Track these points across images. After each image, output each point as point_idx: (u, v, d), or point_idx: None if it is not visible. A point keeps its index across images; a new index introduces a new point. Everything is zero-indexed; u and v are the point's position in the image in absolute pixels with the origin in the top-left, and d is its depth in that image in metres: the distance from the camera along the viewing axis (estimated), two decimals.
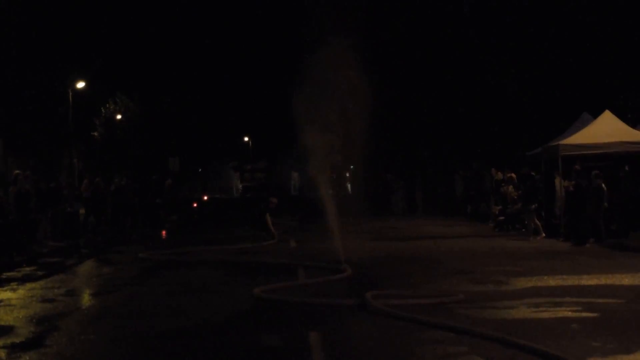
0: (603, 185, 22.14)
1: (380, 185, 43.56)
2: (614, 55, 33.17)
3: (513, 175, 28.27)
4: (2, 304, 13.75)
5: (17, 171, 24.77)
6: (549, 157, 25.60)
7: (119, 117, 55.57)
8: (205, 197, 38.03)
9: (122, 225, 29.81)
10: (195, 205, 36.87)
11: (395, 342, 9.98)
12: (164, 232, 30.10)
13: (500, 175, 30.34)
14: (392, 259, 19.64)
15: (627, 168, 24.65)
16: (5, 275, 17.72)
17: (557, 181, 24.79)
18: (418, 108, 42.51)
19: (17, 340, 10.50)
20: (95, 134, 54.87)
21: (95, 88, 46.18)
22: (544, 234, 24.02)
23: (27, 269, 18.93)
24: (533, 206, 24.65)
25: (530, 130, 35.40)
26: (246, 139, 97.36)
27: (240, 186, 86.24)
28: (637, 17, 32.19)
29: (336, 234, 19.24)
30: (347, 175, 71.79)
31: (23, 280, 16.91)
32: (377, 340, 10.20)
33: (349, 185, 69.37)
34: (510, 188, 27.68)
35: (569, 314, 11.47)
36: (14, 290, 15.48)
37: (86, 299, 14.66)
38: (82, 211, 28.41)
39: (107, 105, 55.44)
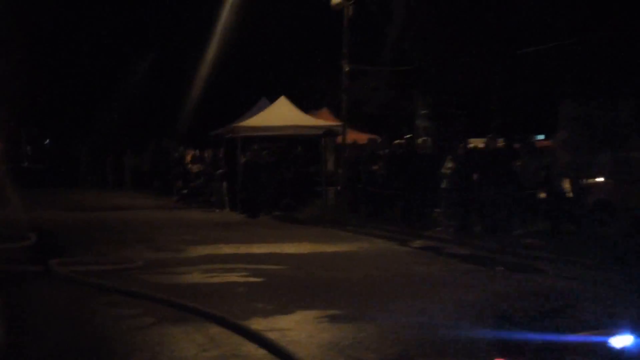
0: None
1: (69, 159, 42.46)
2: (294, 46, 34.15)
3: (197, 152, 28.78)
4: None
5: None
6: (230, 137, 26.28)
7: None
8: None
9: None
10: None
11: (77, 305, 9.80)
12: None
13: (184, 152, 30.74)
14: (80, 228, 19.24)
15: (300, 148, 25.93)
16: None
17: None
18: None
19: None
20: None
21: None
22: (228, 208, 24.67)
23: None
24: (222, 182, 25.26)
25: (216, 112, 35.98)
26: None
27: None
28: None
29: (22, 204, 18.61)
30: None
31: None
32: (60, 304, 9.96)
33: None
34: (191, 164, 28.20)
35: (237, 279, 11.81)
36: None
37: None
38: None
39: None
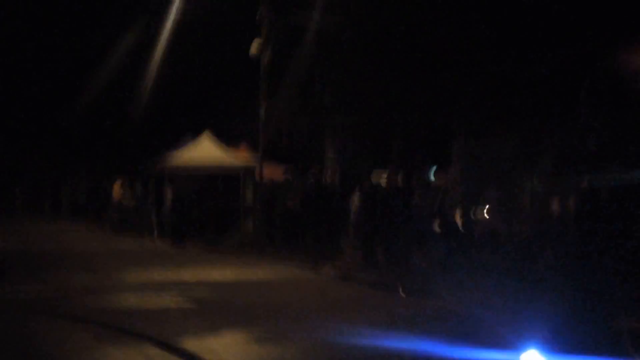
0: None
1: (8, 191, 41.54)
2: (216, 86, 34.09)
3: (127, 185, 28.68)
4: None
5: None
6: (158, 171, 26.27)
7: None
8: None
9: None
10: None
11: (20, 328, 9.78)
12: None
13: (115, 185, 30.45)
14: (20, 255, 18.98)
15: (220, 184, 26.12)
16: None
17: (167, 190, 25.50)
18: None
19: None
20: None
21: None
22: (157, 237, 24.63)
23: None
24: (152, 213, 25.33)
25: (145, 146, 35.66)
26: None
27: None
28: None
29: None
30: None
31: None
32: (3, 327, 9.85)
33: None
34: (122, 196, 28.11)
35: (170, 303, 11.98)
36: None
37: None
38: None
39: None
